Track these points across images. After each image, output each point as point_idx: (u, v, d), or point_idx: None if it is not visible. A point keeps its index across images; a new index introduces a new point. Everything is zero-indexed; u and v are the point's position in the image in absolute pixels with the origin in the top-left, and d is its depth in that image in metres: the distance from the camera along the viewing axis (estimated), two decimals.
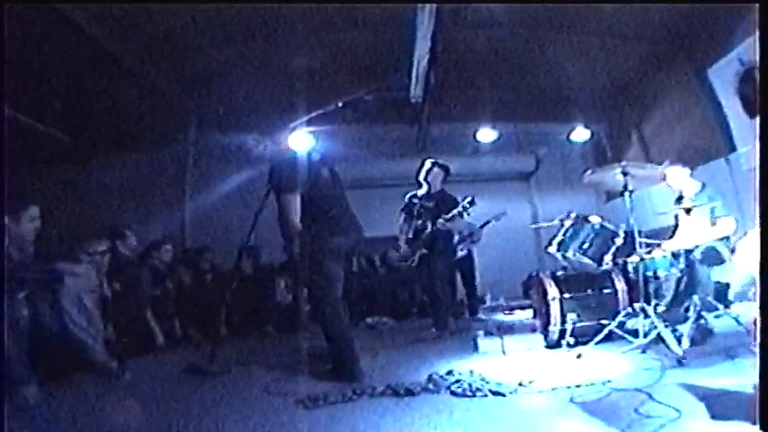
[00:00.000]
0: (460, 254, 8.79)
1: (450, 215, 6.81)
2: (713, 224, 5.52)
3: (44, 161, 9.87)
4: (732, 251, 5.30)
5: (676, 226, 6.08)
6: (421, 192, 7.28)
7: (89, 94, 8.38)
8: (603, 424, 2.74)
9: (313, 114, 9.71)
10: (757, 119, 6.95)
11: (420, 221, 7.07)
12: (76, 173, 10.23)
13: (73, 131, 9.50)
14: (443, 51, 7.63)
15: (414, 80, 8.39)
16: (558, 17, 7.71)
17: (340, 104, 9.25)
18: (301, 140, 10.29)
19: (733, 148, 7.66)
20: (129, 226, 7.44)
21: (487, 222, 8.94)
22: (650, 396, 3.09)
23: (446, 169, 7.30)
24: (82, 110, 8.89)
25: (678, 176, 5.87)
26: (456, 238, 8.21)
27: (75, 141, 9.69)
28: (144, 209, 9.98)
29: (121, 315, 6.52)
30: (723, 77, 7.62)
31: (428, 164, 7.28)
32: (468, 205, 6.78)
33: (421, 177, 7.25)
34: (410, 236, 7.17)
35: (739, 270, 5.13)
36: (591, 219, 5.43)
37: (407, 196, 7.40)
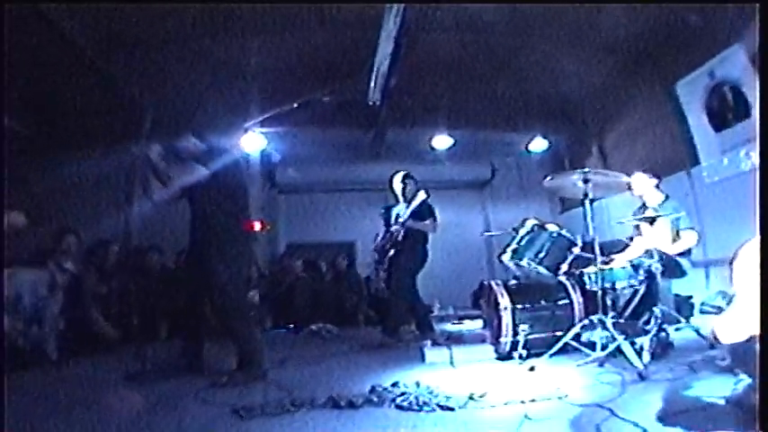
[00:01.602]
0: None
1: (413, 207, 6.74)
2: (675, 236, 5.42)
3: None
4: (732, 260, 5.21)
5: (631, 238, 5.97)
6: (399, 207, 7.08)
7: (50, 86, 8.14)
8: None
9: (267, 115, 9.52)
10: (724, 132, 7.01)
11: (395, 227, 6.88)
12: (34, 168, 9.86)
13: (33, 125, 9.18)
14: (405, 54, 7.44)
15: (373, 83, 8.19)
16: (524, 24, 7.60)
17: (295, 105, 9.07)
18: (254, 141, 10.10)
19: (696, 162, 7.70)
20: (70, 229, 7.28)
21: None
22: (612, 412, 2.90)
23: (414, 179, 7.14)
24: (42, 103, 8.58)
25: (644, 185, 5.80)
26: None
27: (35, 135, 9.36)
28: (93, 207, 9.62)
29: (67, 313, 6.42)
30: (691, 91, 7.64)
31: (400, 177, 7.11)
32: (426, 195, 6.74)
33: (398, 192, 7.09)
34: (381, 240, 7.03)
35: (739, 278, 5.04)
36: (548, 227, 5.25)
37: (384, 208, 7.35)
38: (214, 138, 4.99)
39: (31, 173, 9.75)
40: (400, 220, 6.83)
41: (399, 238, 6.80)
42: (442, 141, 10.65)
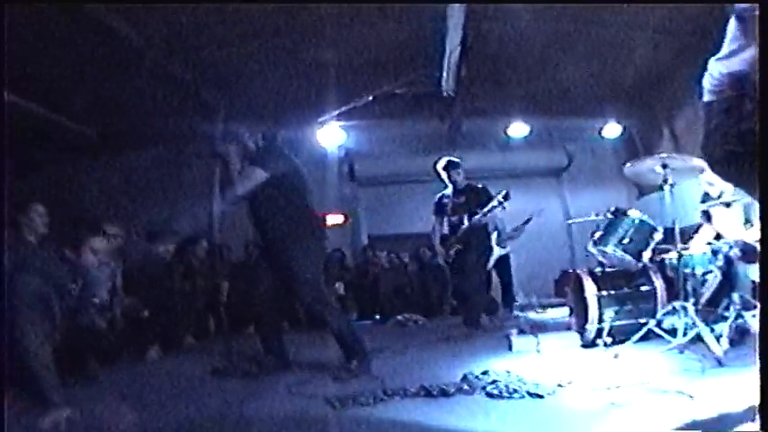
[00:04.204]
0: (503, 252, 8.63)
1: (487, 209, 6.73)
2: (746, 221, 5.33)
3: (70, 156, 10.00)
4: None
5: (700, 225, 5.89)
6: (448, 191, 7.18)
7: (114, 89, 8.47)
8: (646, 427, 2.60)
9: (343, 109, 9.73)
10: None
11: (455, 217, 6.98)
12: (103, 167, 10.34)
13: (98, 126, 9.62)
14: (474, 44, 7.51)
15: (445, 74, 8.28)
16: (589, 10, 7.50)
17: (370, 98, 9.23)
18: (332, 135, 10.34)
19: None
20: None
21: (529, 220, 8.79)
22: (692, 398, 2.96)
23: (458, 165, 7.19)
24: (107, 105, 8.97)
25: None
26: (495, 234, 8.17)
27: (100, 136, 9.82)
28: (172, 205, 10.02)
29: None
30: None
31: (442, 164, 7.19)
32: (503, 199, 6.67)
33: (444, 178, 7.17)
34: (445, 232, 7.05)
35: None
36: (630, 213, 5.26)
37: (437, 196, 7.29)
38: (276, 136, 5.12)
39: (106, 172, 10.31)
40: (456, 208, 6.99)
41: (462, 233, 6.90)
42: (517, 129, 10.65)
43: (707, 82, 2.23)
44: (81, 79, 7.94)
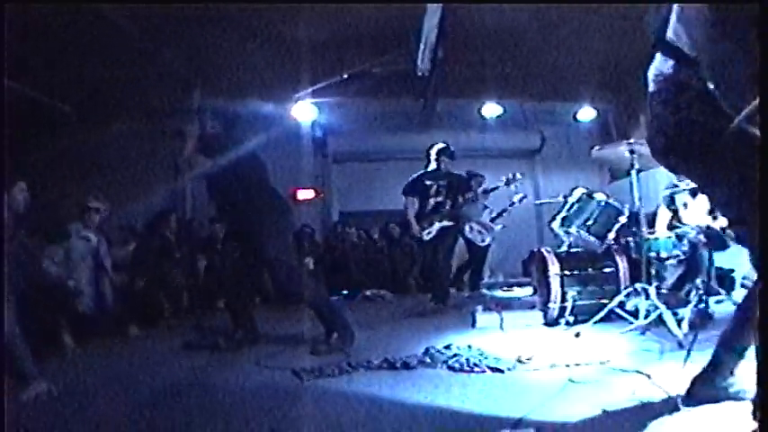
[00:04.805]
0: (488, 239, 8.68)
1: (492, 187, 7.61)
2: (711, 211, 5.42)
3: (46, 131, 9.90)
4: None
5: (658, 207, 6.01)
6: (430, 173, 7.21)
7: (91, 65, 8.41)
8: (602, 404, 2.67)
9: (318, 85, 9.71)
10: None
11: (438, 198, 7.07)
12: (80, 142, 10.23)
13: (75, 102, 9.52)
14: (452, 24, 7.51)
15: (421, 53, 8.27)
16: None
17: (345, 76, 9.22)
18: (306, 111, 10.33)
19: None
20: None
21: (511, 205, 8.82)
22: (650, 378, 3.05)
23: (452, 154, 7.29)
24: (84, 81, 8.89)
25: None
26: (486, 212, 8.56)
27: (77, 112, 9.71)
28: (146, 179, 9.97)
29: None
30: None
31: (437, 149, 7.24)
32: (512, 178, 7.40)
33: (432, 157, 7.21)
34: (427, 211, 7.10)
35: None
36: (596, 195, 5.37)
37: (416, 176, 7.29)
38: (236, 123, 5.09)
39: (82, 148, 10.21)
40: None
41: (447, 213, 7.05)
42: (491, 110, 10.69)
43: (651, 72, 2.31)
44: (58, 56, 7.88)
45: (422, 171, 7.23)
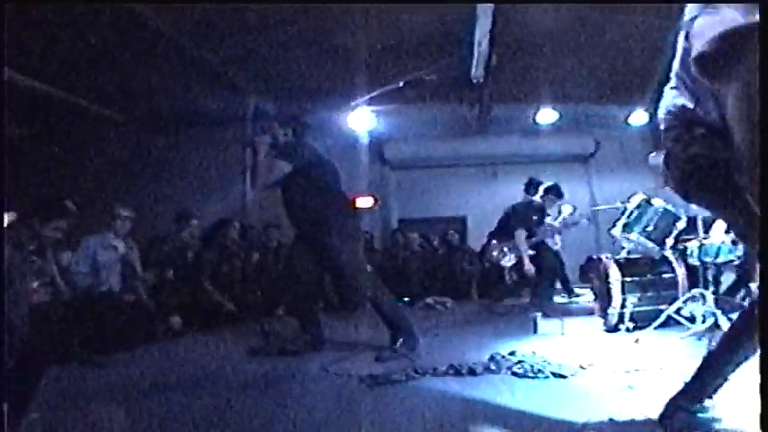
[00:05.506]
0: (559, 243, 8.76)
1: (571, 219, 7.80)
2: None
3: (98, 140, 10.30)
4: None
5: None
6: (529, 205, 7.57)
7: (142, 75, 8.66)
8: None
9: (374, 93, 9.85)
10: None
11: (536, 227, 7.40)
12: (131, 151, 10.61)
13: (127, 111, 9.87)
14: (504, 30, 7.59)
15: (475, 60, 8.38)
16: None
17: (401, 84, 9.34)
18: (362, 119, 10.50)
19: None
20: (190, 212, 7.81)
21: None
22: None
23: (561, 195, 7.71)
24: (136, 90, 9.21)
25: None
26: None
27: (130, 121, 10.07)
28: (205, 188, 10.31)
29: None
30: None
31: (546, 186, 7.64)
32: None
33: (538, 197, 7.60)
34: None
35: None
36: (654, 201, 5.41)
37: (516, 208, 7.64)
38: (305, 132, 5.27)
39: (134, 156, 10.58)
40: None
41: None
42: (546, 115, 10.67)
43: (661, 111, 2.42)
44: (108, 65, 8.11)
45: (525, 202, 7.64)
